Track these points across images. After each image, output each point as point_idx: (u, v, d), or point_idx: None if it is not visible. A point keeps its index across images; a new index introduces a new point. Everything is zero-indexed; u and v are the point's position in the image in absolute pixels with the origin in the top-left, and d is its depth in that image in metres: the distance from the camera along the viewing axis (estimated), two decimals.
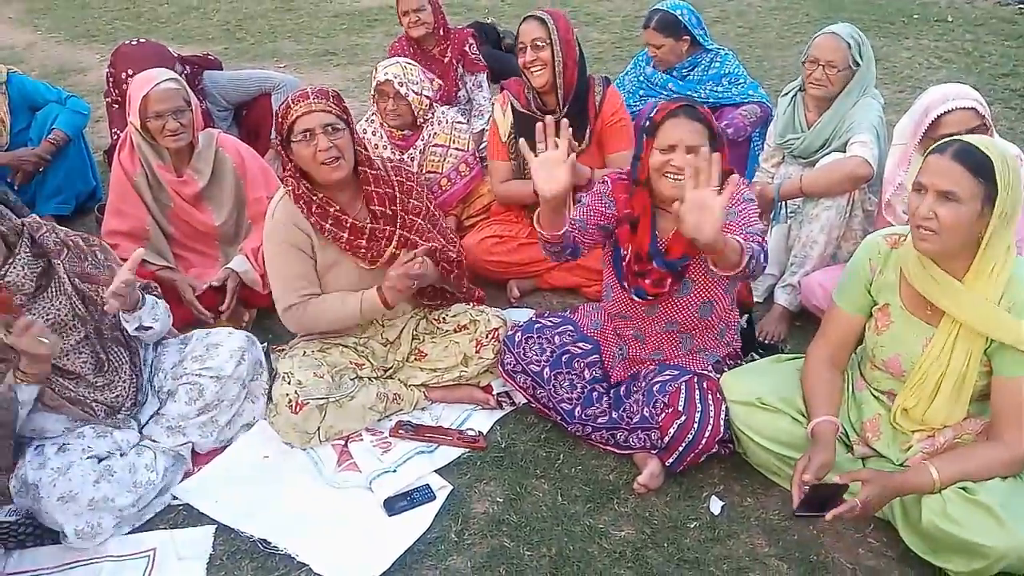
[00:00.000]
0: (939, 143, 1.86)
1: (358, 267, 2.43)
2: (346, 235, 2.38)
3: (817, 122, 2.89)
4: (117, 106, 3.46)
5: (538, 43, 2.89)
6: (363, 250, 2.41)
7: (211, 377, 2.36)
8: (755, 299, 2.81)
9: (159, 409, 2.37)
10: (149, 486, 2.22)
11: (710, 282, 2.25)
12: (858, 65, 2.79)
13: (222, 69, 3.84)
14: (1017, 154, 2.52)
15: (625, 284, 2.33)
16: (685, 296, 2.28)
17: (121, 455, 2.22)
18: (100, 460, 2.17)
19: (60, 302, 2.20)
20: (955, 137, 1.86)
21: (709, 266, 2.03)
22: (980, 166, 1.75)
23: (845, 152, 2.75)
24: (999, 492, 1.78)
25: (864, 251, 2.08)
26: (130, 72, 3.13)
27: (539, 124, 2.16)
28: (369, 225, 2.41)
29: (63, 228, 2.33)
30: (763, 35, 6.35)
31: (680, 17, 3.56)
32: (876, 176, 2.68)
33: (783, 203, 2.94)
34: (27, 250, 2.16)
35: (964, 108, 2.30)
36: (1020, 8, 6.74)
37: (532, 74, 2.94)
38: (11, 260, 2.13)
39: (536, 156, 2.05)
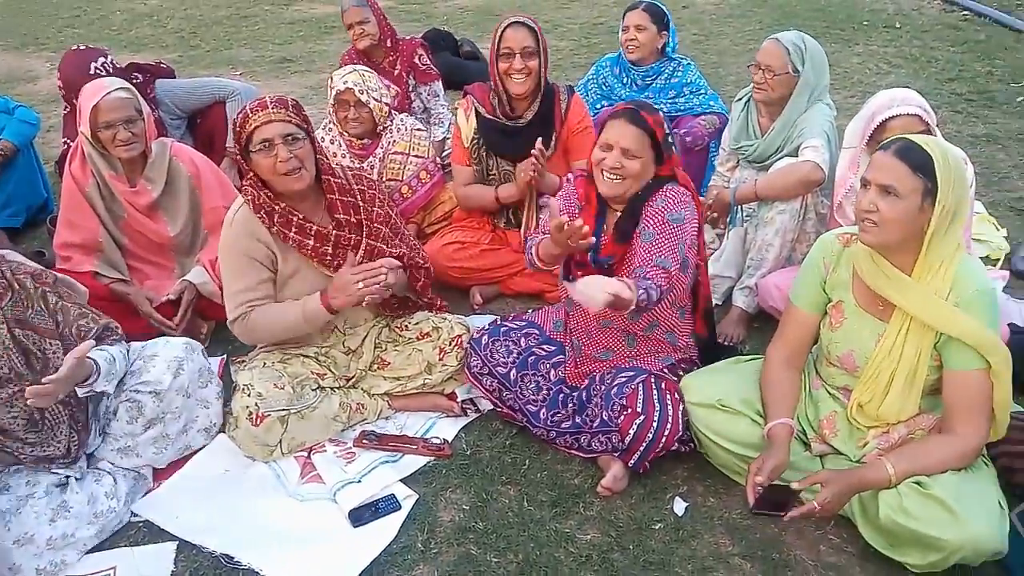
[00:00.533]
0: (885, 141, 1.93)
1: (321, 275, 2.40)
2: (311, 242, 2.34)
3: (770, 129, 2.94)
4: (68, 113, 3.40)
5: (528, 51, 2.89)
6: (328, 257, 2.38)
7: (149, 392, 2.24)
8: (714, 301, 2.83)
9: (104, 428, 2.28)
10: (111, 514, 2.16)
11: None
12: (798, 71, 2.82)
13: (175, 77, 3.78)
14: (963, 157, 2.60)
15: (563, 271, 2.37)
16: None
17: (78, 480, 2.14)
18: (57, 486, 2.08)
19: None
20: (901, 135, 1.93)
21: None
22: (920, 163, 1.82)
23: (798, 157, 2.80)
24: (952, 486, 1.83)
25: (818, 250, 2.14)
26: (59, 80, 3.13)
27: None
28: (334, 232, 2.38)
29: (16, 260, 2.17)
30: (717, 42, 6.46)
31: (666, 13, 3.66)
32: (828, 179, 2.75)
33: (739, 207, 2.99)
34: None
35: (908, 114, 2.40)
36: (965, 15, 6.95)
37: (515, 81, 2.93)
38: None
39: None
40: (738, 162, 3.17)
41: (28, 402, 1.93)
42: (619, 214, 2.32)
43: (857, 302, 2.04)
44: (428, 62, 4.14)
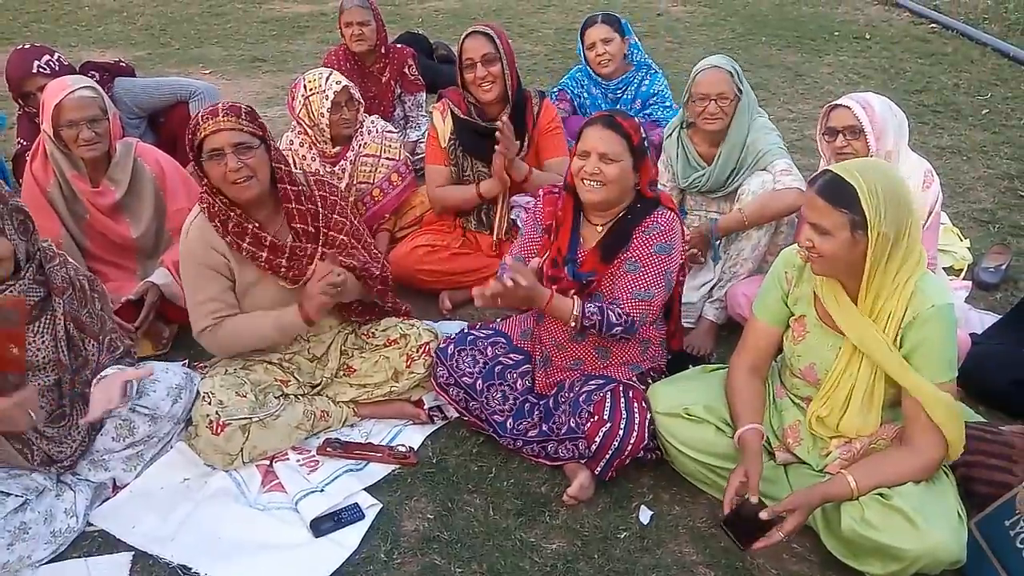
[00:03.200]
0: (813, 176, 1.95)
1: (279, 286, 2.37)
2: (265, 253, 2.31)
3: (717, 155, 2.88)
4: (21, 113, 3.32)
5: (488, 58, 2.90)
6: (283, 268, 2.33)
7: (145, 415, 2.25)
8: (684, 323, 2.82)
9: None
10: (69, 533, 2.11)
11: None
12: (740, 92, 2.82)
13: (135, 76, 3.70)
14: (928, 169, 2.64)
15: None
16: None
17: (38, 496, 2.09)
18: (15, 510, 2.02)
19: (44, 341, 2.08)
20: (828, 168, 1.92)
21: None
22: (841, 196, 1.81)
23: (766, 172, 2.80)
24: (913, 497, 1.84)
25: (780, 264, 2.15)
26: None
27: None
28: (290, 243, 2.34)
29: (74, 264, 2.23)
30: (691, 51, 6.51)
31: (619, 18, 3.70)
32: None
33: (719, 241, 2.93)
34: (32, 276, 2.05)
35: (844, 106, 2.52)
36: (933, 27, 7.08)
37: (483, 89, 2.94)
38: (13, 282, 2.01)
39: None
40: (683, 194, 3.10)
41: (80, 421, 2.12)
42: (600, 229, 2.31)
43: (819, 317, 2.06)
44: (416, 72, 4.16)
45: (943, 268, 3.25)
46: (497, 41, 2.93)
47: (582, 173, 2.23)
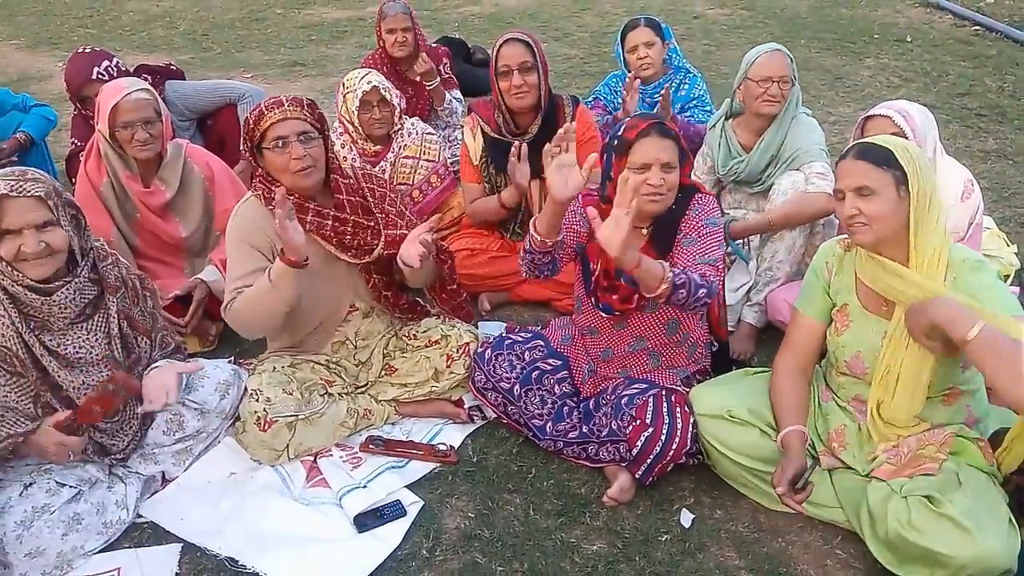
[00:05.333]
0: (842, 153, 2.00)
1: (334, 266, 2.38)
2: (330, 223, 2.33)
3: (759, 142, 2.89)
4: (77, 114, 3.41)
5: (526, 66, 2.89)
6: (348, 236, 2.35)
7: (195, 409, 2.30)
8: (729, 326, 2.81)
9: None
10: (119, 525, 2.17)
11: None
12: (795, 81, 2.84)
13: (184, 79, 3.79)
14: (968, 178, 2.60)
15: (593, 300, 2.35)
16: (652, 313, 2.32)
17: (91, 487, 2.15)
18: (69, 500, 2.08)
19: (98, 338, 2.14)
20: (856, 141, 2.01)
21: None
22: (881, 157, 1.90)
23: (798, 172, 2.79)
24: (962, 503, 1.81)
25: (821, 256, 2.19)
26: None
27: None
28: (352, 218, 2.37)
29: (125, 263, 2.28)
30: (728, 53, 6.47)
31: (661, 22, 3.69)
32: None
33: (745, 242, 2.91)
34: (86, 275, 2.10)
35: (883, 115, 2.47)
36: (976, 30, 6.95)
37: (516, 98, 2.92)
38: (70, 279, 2.06)
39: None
40: (721, 187, 3.11)
41: (139, 409, 2.16)
42: (644, 232, 2.28)
43: (861, 304, 2.07)
44: (450, 71, 4.22)
45: None
46: (535, 49, 2.92)
47: (646, 188, 2.14)
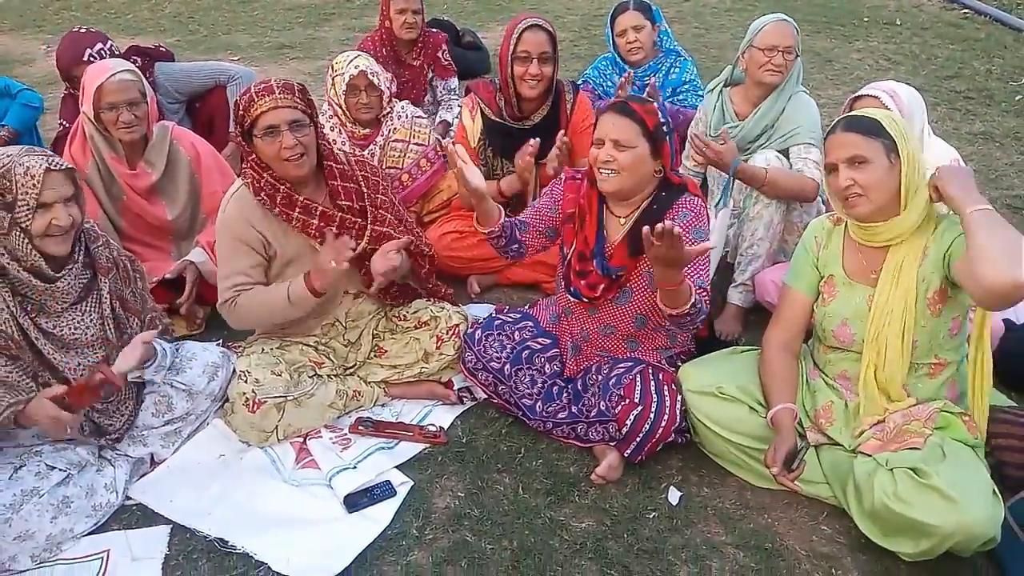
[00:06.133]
0: (831, 126, 2.04)
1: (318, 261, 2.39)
2: (316, 221, 2.32)
3: (755, 111, 2.89)
4: (66, 94, 3.39)
5: (545, 57, 2.87)
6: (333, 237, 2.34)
7: (183, 391, 2.30)
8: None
9: None
10: (108, 508, 2.16)
11: (647, 295, 2.28)
12: (798, 52, 2.84)
13: (174, 61, 3.76)
14: (955, 158, 2.62)
15: (564, 283, 2.37)
16: (623, 305, 2.33)
17: (80, 471, 2.15)
18: (59, 483, 2.08)
19: (91, 319, 2.14)
20: (843, 115, 2.07)
21: (649, 287, 2.15)
22: (869, 128, 1.96)
23: (772, 153, 2.79)
24: (947, 475, 1.83)
25: (810, 230, 2.24)
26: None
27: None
28: (339, 214, 2.36)
29: (116, 244, 2.29)
30: (719, 36, 6.46)
31: (651, 5, 3.67)
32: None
33: (732, 183, 2.85)
34: (81, 259, 2.11)
35: (871, 95, 2.50)
36: (965, 13, 6.96)
37: (528, 85, 2.90)
38: (70, 265, 2.07)
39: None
40: (705, 169, 3.12)
41: (104, 373, 2.06)
42: (623, 221, 2.29)
43: (846, 273, 2.12)
44: (449, 58, 4.19)
45: None
46: (555, 40, 2.88)
47: (597, 161, 2.20)
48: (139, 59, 3.43)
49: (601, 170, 2.20)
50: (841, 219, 2.14)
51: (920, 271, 1.99)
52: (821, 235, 2.20)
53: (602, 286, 2.27)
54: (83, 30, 3.33)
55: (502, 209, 2.33)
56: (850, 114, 2.06)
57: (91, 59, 3.15)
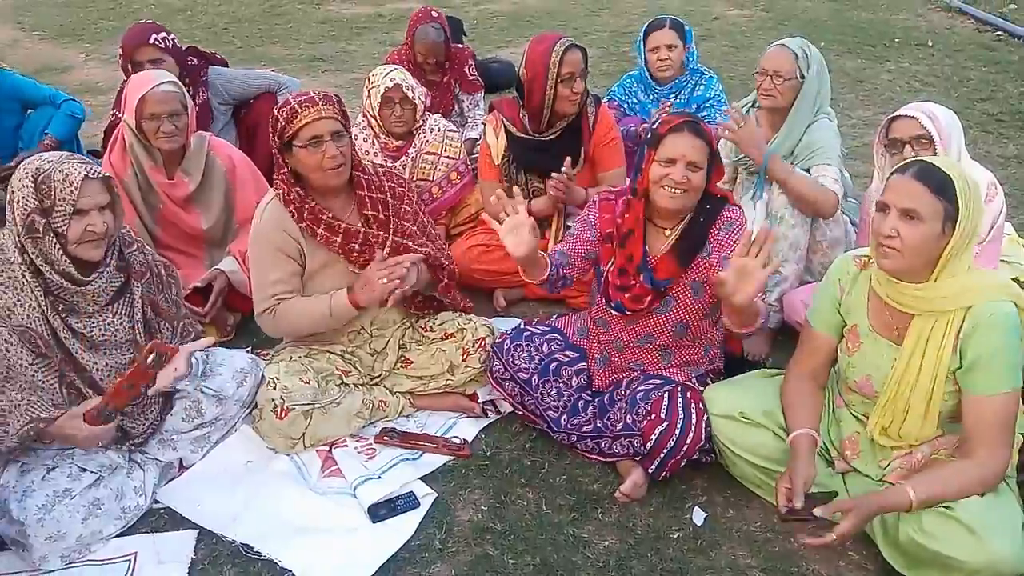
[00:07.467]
0: (902, 164, 1.91)
1: (346, 270, 2.42)
2: (339, 239, 2.37)
3: (775, 136, 2.89)
4: (123, 87, 3.46)
5: (583, 72, 2.93)
6: (356, 253, 2.40)
7: (212, 396, 2.32)
8: None
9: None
10: (137, 511, 2.19)
11: (690, 304, 2.31)
12: (803, 77, 2.80)
13: (227, 67, 3.84)
14: (991, 181, 2.58)
15: (604, 299, 2.38)
16: (663, 314, 2.33)
17: (110, 473, 2.18)
18: (89, 485, 2.11)
19: (122, 323, 2.18)
20: (919, 158, 1.92)
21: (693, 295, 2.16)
22: (941, 185, 1.79)
23: (808, 170, 2.78)
24: (974, 508, 1.81)
25: (834, 271, 2.13)
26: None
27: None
28: (363, 229, 2.40)
29: (150, 250, 2.34)
30: (748, 54, 6.44)
31: (684, 25, 3.69)
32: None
33: (763, 176, 2.83)
34: (114, 262, 2.16)
35: (909, 116, 2.41)
36: (999, 35, 6.89)
37: (571, 103, 2.95)
38: (100, 269, 2.12)
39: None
40: (736, 173, 3.11)
41: (149, 391, 2.14)
42: (668, 233, 2.30)
43: (872, 326, 2.02)
44: (476, 73, 4.24)
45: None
46: (587, 56, 2.96)
47: (666, 181, 2.17)
48: (196, 59, 3.49)
49: (672, 189, 2.18)
50: (867, 264, 2.04)
51: (945, 344, 1.88)
52: (846, 281, 2.08)
53: (648, 298, 2.28)
54: (149, 22, 3.43)
55: (547, 258, 2.34)
56: (926, 160, 1.86)
57: (156, 43, 3.23)
